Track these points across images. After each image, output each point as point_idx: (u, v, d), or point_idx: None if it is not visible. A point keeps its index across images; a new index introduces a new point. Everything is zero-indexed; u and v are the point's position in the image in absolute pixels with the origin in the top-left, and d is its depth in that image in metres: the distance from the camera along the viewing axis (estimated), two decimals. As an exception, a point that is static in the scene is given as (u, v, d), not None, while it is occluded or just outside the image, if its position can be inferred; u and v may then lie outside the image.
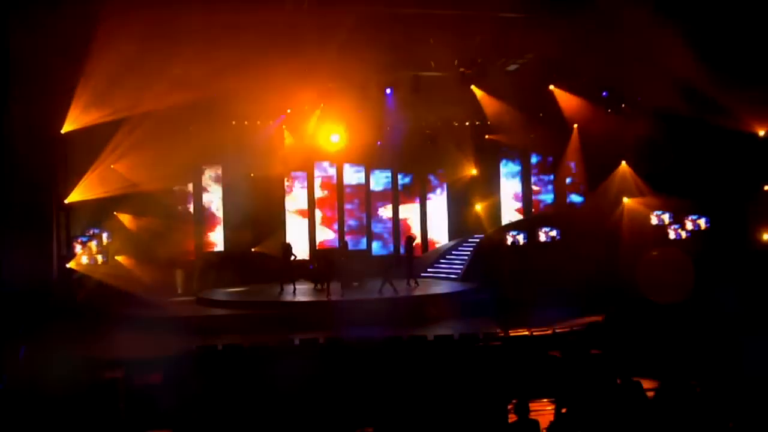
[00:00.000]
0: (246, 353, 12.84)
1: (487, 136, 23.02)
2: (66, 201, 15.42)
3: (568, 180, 24.62)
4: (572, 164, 23.97)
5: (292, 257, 19.40)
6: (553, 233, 21.42)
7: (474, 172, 24.93)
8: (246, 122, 21.93)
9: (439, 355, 12.54)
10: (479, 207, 24.78)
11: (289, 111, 18.04)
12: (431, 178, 25.43)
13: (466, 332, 13.70)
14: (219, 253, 22.89)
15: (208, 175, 23.25)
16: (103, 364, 11.94)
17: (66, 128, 15.25)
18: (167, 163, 19.82)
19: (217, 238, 23.17)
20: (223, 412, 9.89)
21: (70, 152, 15.88)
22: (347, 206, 24.62)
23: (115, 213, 19.60)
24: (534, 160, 25.19)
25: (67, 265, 15.32)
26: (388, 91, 15.35)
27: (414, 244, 20.82)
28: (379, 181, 25.04)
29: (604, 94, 17.76)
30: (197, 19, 15.42)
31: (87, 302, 15.53)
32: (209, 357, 12.55)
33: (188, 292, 21.22)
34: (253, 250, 22.71)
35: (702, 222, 20.09)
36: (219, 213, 23.21)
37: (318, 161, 24.19)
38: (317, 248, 23.66)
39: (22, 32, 12.97)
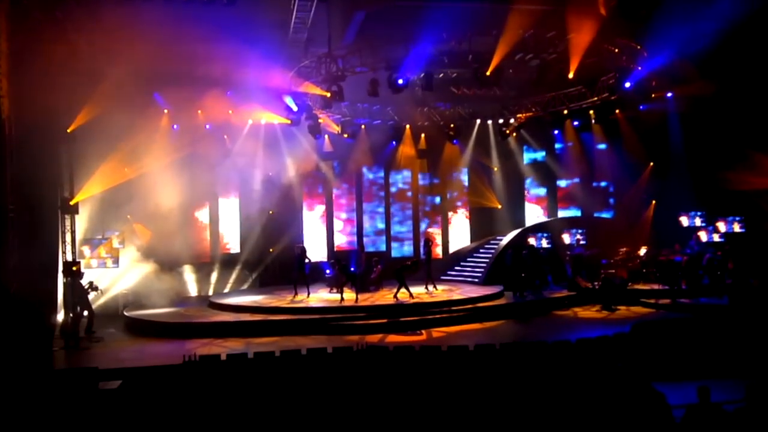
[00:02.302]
0: (250, 363, 12.35)
1: (508, 131, 22.19)
2: (72, 203, 15.03)
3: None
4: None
5: (307, 260, 18.86)
6: (579, 236, 20.63)
7: (495, 169, 24.26)
8: (263, 121, 21.50)
9: (454, 365, 11.85)
10: (501, 207, 24.13)
11: (296, 109, 17.34)
12: (452, 177, 24.75)
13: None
14: (235, 254, 22.49)
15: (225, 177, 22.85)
16: (101, 375, 11.46)
17: (73, 126, 14.92)
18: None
19: (233, 240, 22.74)
20: (225, 423, 9.44)
21: (78, 151, 15.49)
22: (365, 207, 24.05)
23: (128, 216, 19.35)
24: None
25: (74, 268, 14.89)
26: (401, 81, 14.57)
27: (433, 246, 20.11)
28: (398, 181, 24.41)
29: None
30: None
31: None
32: (211, 367, 12.05)
33: (203, 294, 20.93)
34: (270, 251, 22.29)
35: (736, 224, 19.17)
36: (235, 214, 22.79)
37: (336, 160, 23.68)
38: (335, 251, 23.17)
39: (24, 25, 12.55)
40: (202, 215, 22.15)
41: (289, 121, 18.91)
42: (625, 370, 11.67)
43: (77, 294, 15.40)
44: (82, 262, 17.33)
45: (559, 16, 14.04)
